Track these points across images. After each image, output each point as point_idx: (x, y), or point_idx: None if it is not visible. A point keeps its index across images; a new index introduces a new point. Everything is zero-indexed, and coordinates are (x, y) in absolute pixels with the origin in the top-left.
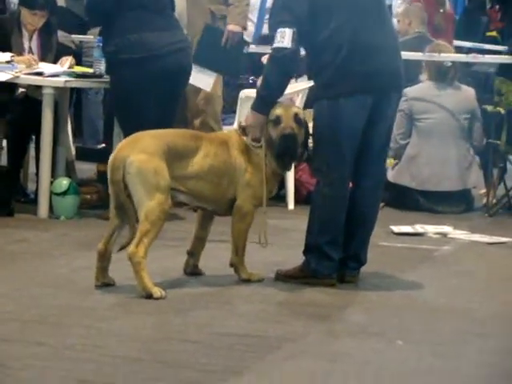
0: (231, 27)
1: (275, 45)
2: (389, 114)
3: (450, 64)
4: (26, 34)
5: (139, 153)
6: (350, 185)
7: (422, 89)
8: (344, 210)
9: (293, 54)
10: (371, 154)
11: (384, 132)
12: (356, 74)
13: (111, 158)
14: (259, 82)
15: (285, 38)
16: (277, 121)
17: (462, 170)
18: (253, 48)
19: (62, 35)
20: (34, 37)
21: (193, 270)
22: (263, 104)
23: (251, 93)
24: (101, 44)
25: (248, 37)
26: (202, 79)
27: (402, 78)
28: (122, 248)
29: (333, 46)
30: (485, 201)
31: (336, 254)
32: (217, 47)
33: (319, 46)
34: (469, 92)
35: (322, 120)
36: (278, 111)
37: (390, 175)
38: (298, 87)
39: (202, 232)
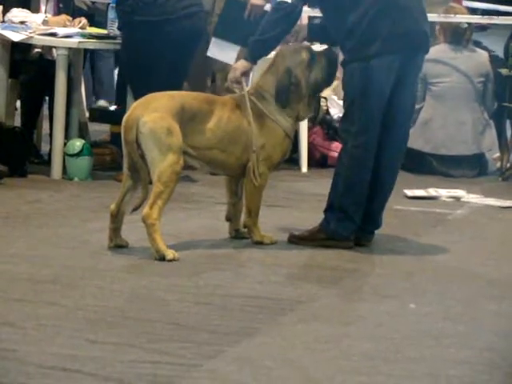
0: (255, 0)
1: None
2: (415, 75)
3: (466, 25)
4: None
5: (152, 112)
6: None
7: (436, 52)
8: (369, 173)
9: (291, 8)
10: (398, 118)
11: (410, 95)
12: (384, 34)
13: (125, 117)
14: None
15: None
16: (312, 61)
17: (477, 133)
18: None
19: None
20: None
21: (236, 235)
22: (252, 51)
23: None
24: (114, 5)
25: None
26: (225, 53)
27: (428, 39)
28: (135, 209)
29: (359, 8)
30: (498, 165)
31: (358, 217)
32: (239, 20)
33: (346, 9)
34: (483, 55)
35: (353, 83)
36: (305, 55)
37: None
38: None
39: (232, 197)
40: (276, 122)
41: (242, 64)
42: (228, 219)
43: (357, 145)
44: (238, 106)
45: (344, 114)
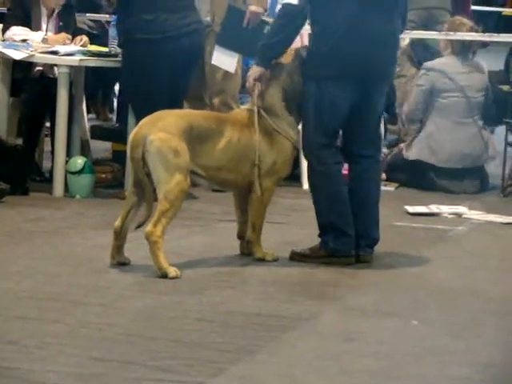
0: (253, 8)
1: (284, 1)
2: (377, 100)
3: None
4: (44, 13)
5: (159, 131)
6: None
7: (444, 64)
8: (342, 183)
9: (299, 11)
10: (365, 138)
11: (374, 116)
12: (341, 64)
13: (131, 135)
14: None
15: None
16: None
17: (481, 146)
18: None
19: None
20: (54, 16)
21: (248, 252)
22: (264, 57)
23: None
24: (115, 23)
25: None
26: (226, 60)
27: (392, 67)
28: (139, 226)
29: (326, 28)
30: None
31: (351, 230)
32: (239, 28)
33: (316, 25)
34: (483, 68)
35: (308, 100)
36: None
37: (408, 152)
38: None
39: (242, 216)
40: (286, 136)
41: (254, 70)
42: (240, 237)
43: (322, 162)
44: (248, 123)
45: (302, 132)
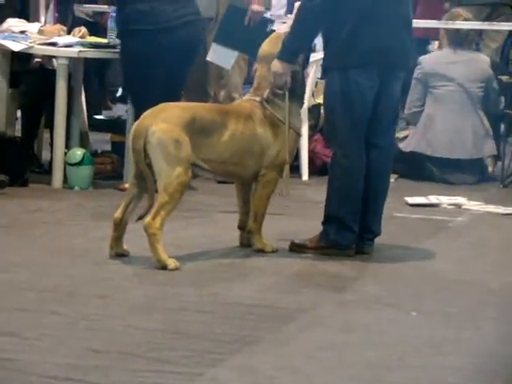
0: (255, 7)
1: None
2: (395, 88)
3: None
4: (42, 3)
5: (162, 122)
6: None
7: (438, 58)
8: (362, 180)
9: (324, 4)
10: (379, 127)
11: (391, 105)
12: (362, 48)
13: (134, 126)
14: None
15: None
16: None
17: (477, 138)
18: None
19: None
20: (51, 6)
21: (248, 243)
22: (290, 53)
23: None
24: (114, 14)
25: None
26: (223, 57)
27: (408, 57)
28: (141, 218)
29: (341, 18)
30: (490, 169)
31: (356, 226)
32: (239, 27)
33: (331, 13)
34: (484, 59)
35: (334, 90)
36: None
37: (406, 144)
38: (313, 58)
39: (244, 206)
40: (290, 126)
41: (285, 69)
42: (240, 228)
43: (346, 154)
44: (252, 115)
45: (326, 122)
